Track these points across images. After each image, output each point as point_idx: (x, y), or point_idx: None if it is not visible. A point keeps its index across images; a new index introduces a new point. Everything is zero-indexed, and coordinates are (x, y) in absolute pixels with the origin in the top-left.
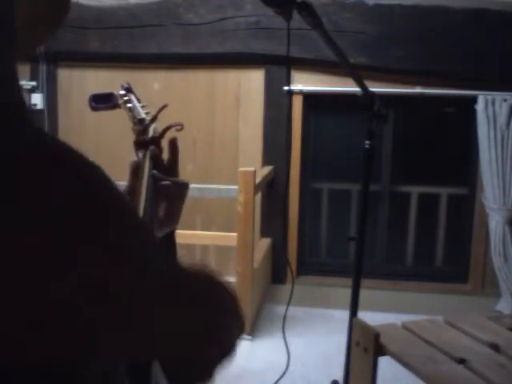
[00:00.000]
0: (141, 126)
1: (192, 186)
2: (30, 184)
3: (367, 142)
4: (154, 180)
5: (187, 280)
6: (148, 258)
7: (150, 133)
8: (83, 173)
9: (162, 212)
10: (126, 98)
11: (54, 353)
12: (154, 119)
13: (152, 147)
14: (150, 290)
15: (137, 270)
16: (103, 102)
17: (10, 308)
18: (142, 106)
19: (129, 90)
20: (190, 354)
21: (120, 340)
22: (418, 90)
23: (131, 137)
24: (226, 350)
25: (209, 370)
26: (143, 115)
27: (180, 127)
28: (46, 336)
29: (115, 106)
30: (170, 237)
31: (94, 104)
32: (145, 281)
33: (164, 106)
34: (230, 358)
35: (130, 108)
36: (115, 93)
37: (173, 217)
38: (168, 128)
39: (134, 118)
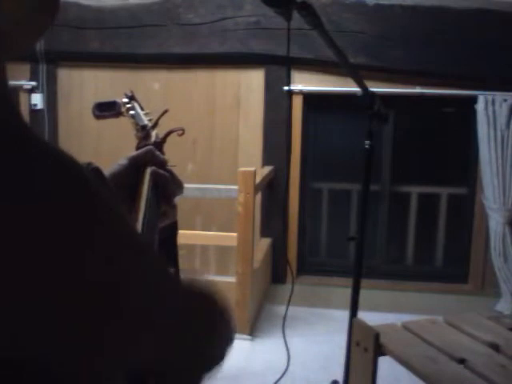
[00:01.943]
0: (143, 132)
1: (192, 186)
2: (9, 177)
3: (367, 141)
4: (154, 176)
5: (184, 294)
6: (148, 271)
7: (152, 138)
8: (72, 172)
9: (163, 205)
10: (128, 106)
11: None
12: (155, 125)
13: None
14: (145, 300)
15: (133, 279)
16: (107, 110)
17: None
18: (146, 113)
19: (132, 98)
20: (179, 366)
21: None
22: (417, 89)
23: (132, 137)
24: (214, 362)
25: (195, 381)
26: (146, 122)
27: (181, 132)
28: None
29: (119, 113)
30: (174, 227)
31: (97, 112)
32: (141, 292)
33: (165, 112)
34: (217, 369)
35: (132, 115)
36: (118, 101)
37: (173, 208)
38: (170, 133)
39: (136, 124)
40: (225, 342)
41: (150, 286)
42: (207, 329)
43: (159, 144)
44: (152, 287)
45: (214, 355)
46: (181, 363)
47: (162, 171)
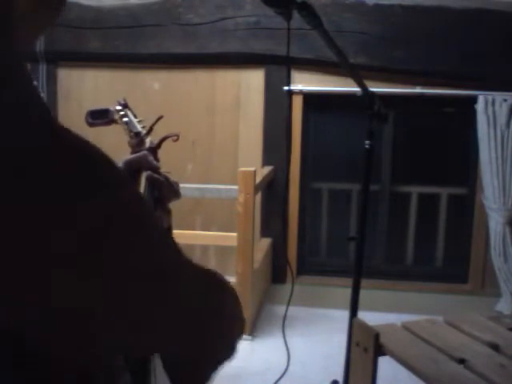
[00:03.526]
0: (137, 139)
1: (192, 186)
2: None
3: (367, 142)
4: (149, 180)
5: (195, 276)
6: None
7: (146, 145)
8: (86, 152)
9: (159, 210)
10: (121, 113)
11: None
12: (149, 132)
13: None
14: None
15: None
16: (100, 117)
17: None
18: (139, 121)
19: (125, 106)
20: (191, 353)
21: (119, 330)
22: (418, 90)
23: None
24: (227, 351)
25: (209, 370)
26: (139, 129)
27: (176, 138)
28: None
29: (112, 121)
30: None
31: (90, 120)
32: (152, 267)
33: (159, 118)
34: (230, 359)
35: (125, 122)
36: (111, 108)
37: (168, 213)
38: (164, 138)
39: (130, 131)
40: (237, 331)
41: (163, 258)
42: (220, 310)
43: (154, 150)
44: (166, 260)
45: (228, 344)
46: (196, 346)
47: (157, 175)
